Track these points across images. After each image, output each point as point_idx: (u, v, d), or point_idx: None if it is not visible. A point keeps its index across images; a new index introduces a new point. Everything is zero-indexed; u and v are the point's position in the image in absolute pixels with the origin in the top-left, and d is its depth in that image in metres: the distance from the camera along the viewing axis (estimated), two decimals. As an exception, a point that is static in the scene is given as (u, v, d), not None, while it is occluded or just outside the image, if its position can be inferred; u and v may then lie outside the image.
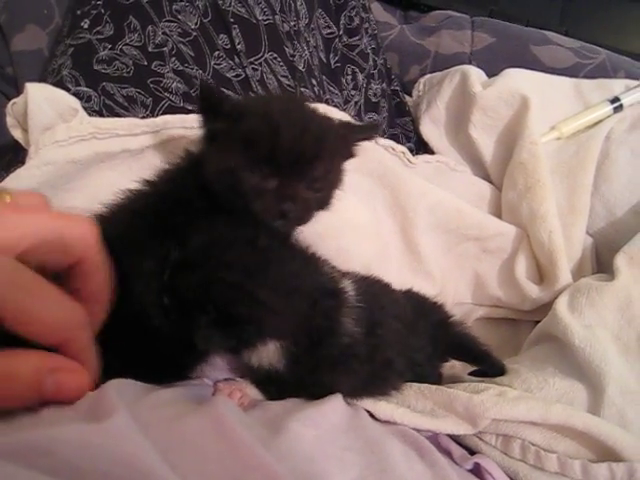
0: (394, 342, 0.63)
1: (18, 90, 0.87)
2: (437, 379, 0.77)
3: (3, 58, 0.91)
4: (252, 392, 0.60)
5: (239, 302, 0.50)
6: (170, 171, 0.65)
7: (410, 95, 1.10)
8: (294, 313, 0.53)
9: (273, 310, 0.51)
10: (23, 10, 0.91)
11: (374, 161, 0.85)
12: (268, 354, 0.56)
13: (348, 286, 0.61)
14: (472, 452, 0.66)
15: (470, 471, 0.62)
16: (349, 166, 0.85)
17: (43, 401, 0.43)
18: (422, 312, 0.73)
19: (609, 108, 0.91)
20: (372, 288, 0.67)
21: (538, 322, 0.82)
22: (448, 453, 0.64)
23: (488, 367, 0.75)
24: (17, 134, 0.76)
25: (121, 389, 0.47)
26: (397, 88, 1.05)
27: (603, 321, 0.71)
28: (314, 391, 0.59)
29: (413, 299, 0.76)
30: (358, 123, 0.70)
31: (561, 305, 0.74)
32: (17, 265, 0.43)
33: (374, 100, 0.95)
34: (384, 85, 0.98)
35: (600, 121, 0.91)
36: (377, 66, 0.97)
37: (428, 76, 1.06)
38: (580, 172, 0.87)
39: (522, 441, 0.64)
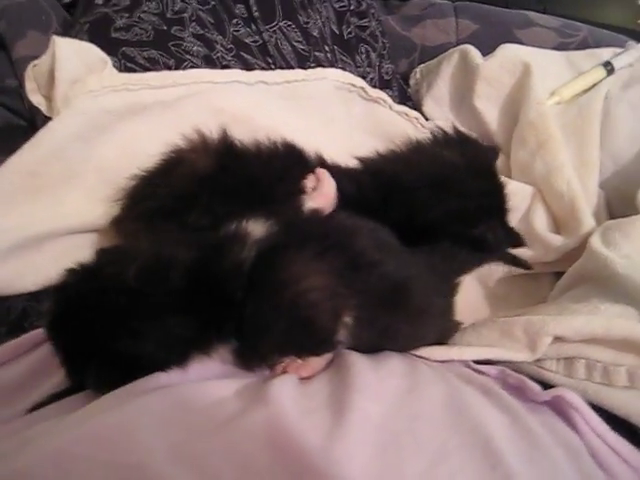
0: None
1: (22, 96, 0.84)
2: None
3: (3, 69, 0.89)
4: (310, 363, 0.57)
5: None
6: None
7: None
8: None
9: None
10: (22, 17, 0.90)
11: (389, 125, 0.86)
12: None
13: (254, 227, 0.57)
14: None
15: (546, 404, 0.58)
16: (362, 129, 0.87)
17: None
18: None
19: (603, 71, 0.96)
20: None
21: (558, 273, 0.84)
22: (518, 389, 0.60)
23: None
24: (36, 99, 0.74)
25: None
26: (397, 76, 1.08)
27: (640, 250, 0.73)
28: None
29: None
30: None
31: (595, 242, 0.75)
32: None
33: (387, 78, 0.99)
34: (393, 66, 1.01)
35: (595, 85, 0.96)
36: (385, 48, 1.00)
37: (423, 65, 1.10)
38: (586, 128, 0.90)
39: (586, 360, 0.63)
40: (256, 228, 0.55)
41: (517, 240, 0.82)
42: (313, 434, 0.42)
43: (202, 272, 0.52)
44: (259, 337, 0.51)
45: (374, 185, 0.73)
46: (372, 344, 0.59)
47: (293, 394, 0.48)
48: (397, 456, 0.44)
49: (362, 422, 0.45)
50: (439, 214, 0.72)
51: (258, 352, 0.53)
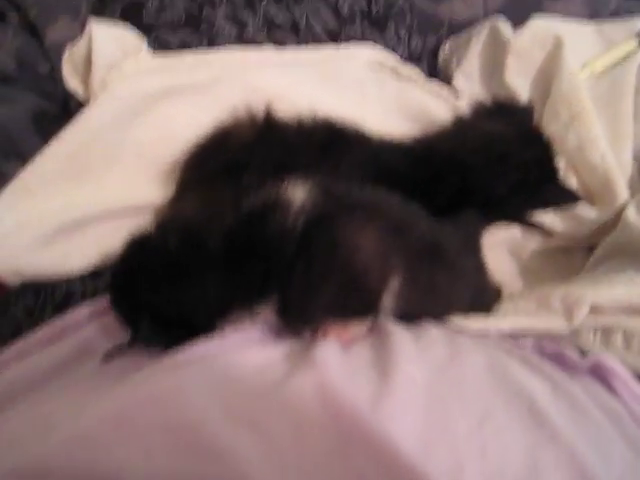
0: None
1: (55, 80, 0.85)
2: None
3: (35, 56, 0.90)
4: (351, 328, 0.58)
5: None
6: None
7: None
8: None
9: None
10: (52, 3, 0.91)
11: (421, 101, 0.86)
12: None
13: (296, 194, 0.58)
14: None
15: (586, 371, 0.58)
16: (394, 105, 0.87)
17: None
18: None
19: (636, 43, 0.94)
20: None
21: (591, 248, 0.83)
22: (556, 358, 0.60)
23: None
24: (74, 84, 0.75)
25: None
26: (426, 51, 1.07)
27: (675, 221, 0.72)
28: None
29: None
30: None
31: (631, 214, 0.75)
32: None
33: (416, 53, 0.99)
34: (421, 41, 1.01)
35: (628, 56, 0.95)
36: (414, 25, 1.00)
37: (452, 38, 1.09)
38: (620, 100, 0.89)
39: (624, 331, 0.63)
40: (297, 194, 0.57)
41: (574, 197, 0.84)
42: (360, 394, 0.44)
43: (242, 237, 0.54)
44: (308, 296, 0.53)
45: (425, 158, 0.75)
46: (417, 305, 0.61)
47: (338, 356, 0.49)
48: (444, 415, 0.44)
49: (407, 384, 0.46)
50: (504, 189, 0.76)
51: (304, 312, 0.55)
